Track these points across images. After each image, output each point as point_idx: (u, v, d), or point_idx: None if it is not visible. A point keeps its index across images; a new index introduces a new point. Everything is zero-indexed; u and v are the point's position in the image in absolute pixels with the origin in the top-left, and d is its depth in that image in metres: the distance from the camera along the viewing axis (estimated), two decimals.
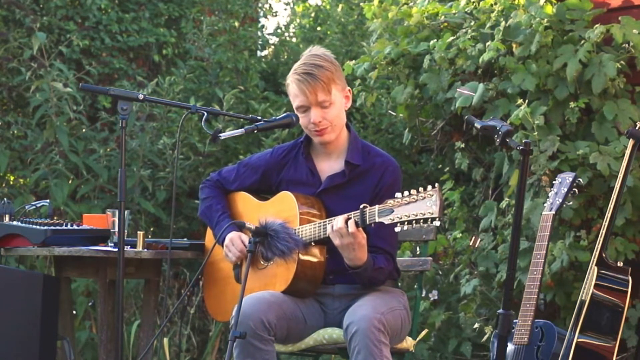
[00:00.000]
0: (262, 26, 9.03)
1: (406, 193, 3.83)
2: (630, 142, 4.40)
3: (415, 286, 4.63)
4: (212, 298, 4.46)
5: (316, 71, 4.16)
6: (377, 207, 3.90)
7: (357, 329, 3.93)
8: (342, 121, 4.26)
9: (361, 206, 3.95)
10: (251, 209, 4.36)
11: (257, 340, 3.99)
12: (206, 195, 4.46)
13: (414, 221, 3.80)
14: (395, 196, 3.85)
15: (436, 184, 3.80)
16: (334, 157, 4.29)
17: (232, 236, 4.25)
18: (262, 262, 4.23)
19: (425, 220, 3.78)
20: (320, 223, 4.08)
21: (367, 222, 3.93)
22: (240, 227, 4.17)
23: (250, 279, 4.15)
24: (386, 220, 3.86)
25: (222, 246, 4.29)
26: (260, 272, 4.25)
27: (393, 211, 3.84)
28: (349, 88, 4.28)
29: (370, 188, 4.21)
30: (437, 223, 3.81)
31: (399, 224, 3.82)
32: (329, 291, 4.24)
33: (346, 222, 3.97)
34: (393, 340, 4.08)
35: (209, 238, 4.51)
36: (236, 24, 8.17)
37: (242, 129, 4.23)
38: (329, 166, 4.30)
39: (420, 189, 3.82)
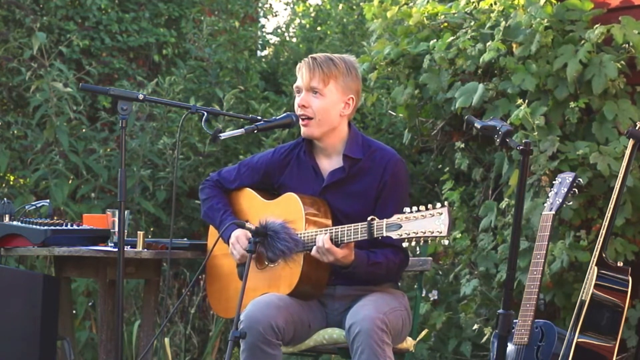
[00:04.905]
0: (262, 26, 9.02)
1: (415, 209, 3.82)
2: (630, 142, 4.39)
3: (415, 286, 4.63)
4: (215, 294, 4.45)
5: (324, 61, 4.18)
6: (385, 221, 3.89)
7: (360, 329, 3.93)
8: (331, 119, 4.21)
9: (369, 218, 3.94)
10: (256, 208, 4.34)
11: (266, 345, 3.98)
12: (206, 195, 4.45)
13: (421, 238, 3.79)
14: (404, 210, 3.84)
15: (446, 202, 3.79)
16: (334, 155, 4.28)
17: (238, 234, 4.23)
18: (265, 262, 4.21)
19: (433, 238, 3.78)
20: (326, 230, 4.06)
21: (375, 235, 3.92)
22: (241, 227, 4.16)
23: (255, 278, 4.15)
24: (394, 235, 3.85)
25: (227, 243, 4.28)
26: (265, 272, 4.22)
27: (401, 226, 3.83)
28: (352, 97, 4.22)
29: (374, 186, 4.19)
30: (445, 242, 3.82)
31: (406, 240, 3.82)
32: (330, 292, 4.24)
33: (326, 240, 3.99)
34: (394, 340, 4.07)
35: (213, 234, 4.47)
36: (236, 24, 8.16)
37: (242, 129, 4.23)
38: (329, 164, 4.28)
39: (430, 205, 3.80)
